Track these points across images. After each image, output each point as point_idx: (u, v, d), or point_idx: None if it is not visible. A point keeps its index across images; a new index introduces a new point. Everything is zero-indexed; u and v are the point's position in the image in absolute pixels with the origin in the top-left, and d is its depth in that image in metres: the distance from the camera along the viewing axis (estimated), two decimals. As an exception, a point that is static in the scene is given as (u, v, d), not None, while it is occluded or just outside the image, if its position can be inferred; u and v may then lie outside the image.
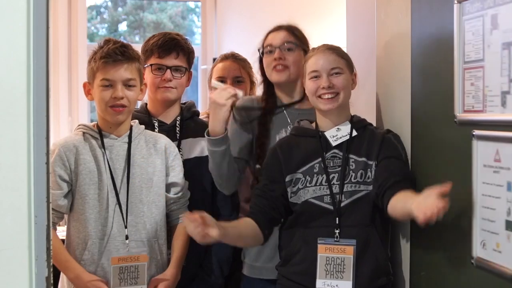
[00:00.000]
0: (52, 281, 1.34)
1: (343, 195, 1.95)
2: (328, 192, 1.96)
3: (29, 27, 1.28)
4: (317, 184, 1.97)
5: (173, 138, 2.29)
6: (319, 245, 1.93)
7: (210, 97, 2.11)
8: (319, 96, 1.98)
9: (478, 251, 1.58)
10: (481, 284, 1.58)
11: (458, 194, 1.64)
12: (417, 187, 1.93)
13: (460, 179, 1.65)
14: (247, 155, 2.25)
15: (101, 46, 2.04)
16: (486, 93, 1.53)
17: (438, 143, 1.80)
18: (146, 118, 2.31)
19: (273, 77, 2.24)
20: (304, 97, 2.22)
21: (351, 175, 1.96)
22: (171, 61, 2.28)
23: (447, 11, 1.70)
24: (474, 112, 1.59)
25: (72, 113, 5.27)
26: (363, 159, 1.97)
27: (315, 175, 1.98)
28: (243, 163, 2.23)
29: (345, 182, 1.95)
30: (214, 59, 5.34)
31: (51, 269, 1.32)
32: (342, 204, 1.94)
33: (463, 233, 1.63)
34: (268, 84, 2.31)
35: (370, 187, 1.95)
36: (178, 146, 2.28)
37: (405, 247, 2.02)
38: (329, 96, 1.97)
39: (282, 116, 2.26)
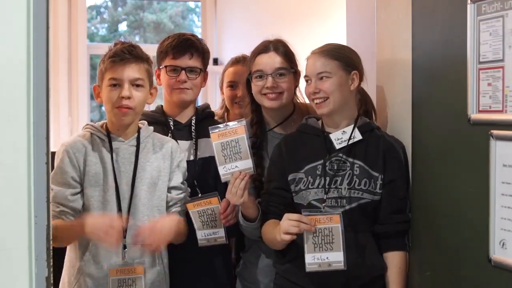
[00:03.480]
0: (52, 281, 1.34)
1: (345, 200, 1.95)
2: (331, 196, 1.95)
3: (29, 27, 1.28)
4: (320, 187, 1.97)
5: (187, 137, 2.29)
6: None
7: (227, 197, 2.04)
8: (313, 100, 2.00)
9: (496, 251, 1.57)
10: (499, 283, 1.57)
11: (470, 193, 1.64)
12: (419, 184, 1.95)
13: (473, 178, 1.65)
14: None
15: (111, 49, 2.04)
16: (507, 93, 1.55)
17: (446, 143, 1.80)
18: (161, 118, 2.31)
19: (266, 103, 2.18)
20: (288, 118, 2.23)
21: (355, 181, 1.96)
22: (185, 62, 2.26)
23: (456, 12, 1.70)
24: (491, 112, 1.60)
25: (72, 113, 5.28)
26: (367, 167, 1.97)
27: (318, 177, 1.97)
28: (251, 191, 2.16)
29: (349, 187, 1.95)
30: (215, 59, 5.38)
31: (51, 269, 1.32)
32: (344, 209, 1.93)
33: (478, 233, 1.63)
34: (256, 107, 2.25)
35: (375, 197, 1.96)
36: (196, 145, 2.28)
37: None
38: (318, 101, 1.98)
39: (271, 139, 2.23)
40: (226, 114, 2.71)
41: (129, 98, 1.98)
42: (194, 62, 2.28)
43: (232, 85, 2.64)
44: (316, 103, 1.98)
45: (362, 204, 1.95)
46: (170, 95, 2.30)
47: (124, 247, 2.00)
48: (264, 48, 2.20)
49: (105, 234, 1.85)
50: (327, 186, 1.95)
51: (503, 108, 1.56)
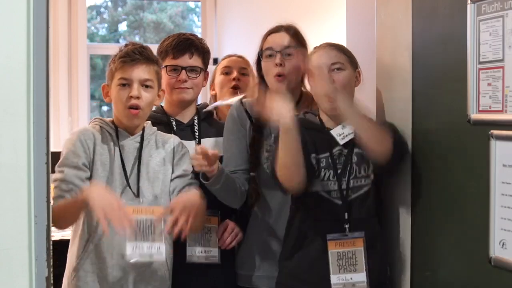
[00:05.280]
0: (52, 281, 1.34)
1: (350, 190, 1.97)
2: (336, 188, 1.97)
3: (29, 27, 1.29)
4: (325, 179, 1.98)
5: (190, 137, 2.29)
6: (328, 242, 1.95)
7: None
8: None
9: (496, 251, 1.58)
10: (499, 283, 1.58)
11: (470, 194, 1.65)
12: (419, 184, 1.95)
13: (473, 178, 1.65)
14: (246, 163, 2.19)
15: (121, 49, 2.07)
16: (507, 93, 1.55)
17: (446, 143, 1.80)
18: (164, 118, 2.32)
19: (274, 85, 2.17)
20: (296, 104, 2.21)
21: (355, 170, 1.98)
22: (185, 61, 2.28)
23: (456, 12, 1.70)
24: (491, 112, 1.60)
25: (72, 113, 5.28)
26: (362, 150, 1.97)
27: (323, 169, 1.98)
28: (244, 175, 2.18)
29: (351, 177, 1.97)
30: (215, 60, 5.37)
31: (51, 269, 1.32)
32: (350, 199, 1.96)
33: (478, 233, 1.63)
34: (264, 90, 2.23)
35: (370, 181, 1.98)
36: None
37: (405, 246, 2.02)
38: None
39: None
40: (215, 111, 2.71)
41: (138, 98, 2.01)
42: (194, 62, 2.29)
43: (227, 72, 2.63)
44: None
45: (364, 191, 1.98)
46: (171, 94, 2.30)
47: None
48: (276, 28, 2.22)
49: (112, 210, 1.80)
50: (331, 178, 1.97)
51: (503, 108, 1.56)
